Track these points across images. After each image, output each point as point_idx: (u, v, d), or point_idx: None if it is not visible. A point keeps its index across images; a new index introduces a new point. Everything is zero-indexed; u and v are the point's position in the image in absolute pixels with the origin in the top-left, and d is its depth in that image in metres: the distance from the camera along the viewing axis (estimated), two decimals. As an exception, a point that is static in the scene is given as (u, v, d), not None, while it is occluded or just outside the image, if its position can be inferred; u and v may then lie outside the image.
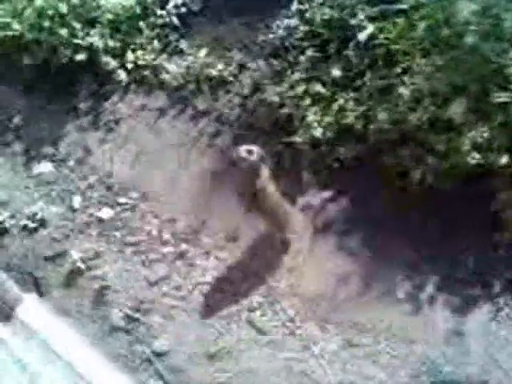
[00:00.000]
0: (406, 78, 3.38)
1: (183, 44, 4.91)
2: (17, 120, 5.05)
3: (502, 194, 3.11)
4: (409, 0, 3.53)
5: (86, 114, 4.93)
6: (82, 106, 4.98)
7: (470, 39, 2.99)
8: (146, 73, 4.88)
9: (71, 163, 4.68)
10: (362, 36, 3.60)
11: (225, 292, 3.55)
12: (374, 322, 3.19)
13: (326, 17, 4.00)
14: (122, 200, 4.26)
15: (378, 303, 3.24)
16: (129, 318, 3.55)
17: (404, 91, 3.30)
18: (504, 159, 2.99)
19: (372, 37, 3.64)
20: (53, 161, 4.74)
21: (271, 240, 3.66)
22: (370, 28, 3.61)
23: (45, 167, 4.72)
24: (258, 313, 3.37)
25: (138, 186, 4.33)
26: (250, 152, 3.12)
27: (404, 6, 3.57)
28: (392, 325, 3.16)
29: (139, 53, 4.97)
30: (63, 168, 4.67)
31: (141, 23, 5.08)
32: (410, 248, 3.35)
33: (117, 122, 4.77)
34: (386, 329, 3.16)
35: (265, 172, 3.24)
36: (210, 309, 3.49)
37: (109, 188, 4.39)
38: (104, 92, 4.97)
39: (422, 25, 3.38)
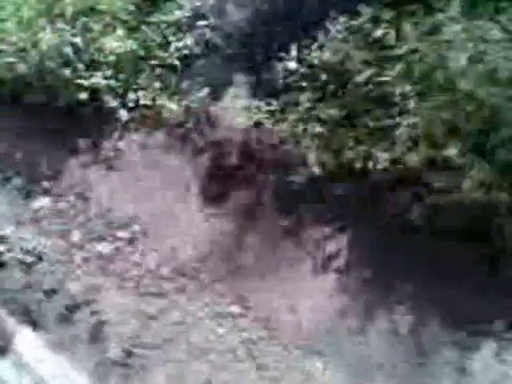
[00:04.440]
0: (403, 119, 3.51)
1: (184, 84, 5.05)
2: (18, 156, 5.10)
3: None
4: (405, 46, 3.71)
5: (87, 151, 5.00)
6: (83, 142, 5.06)
7: (465, 85, 3.14)
8: (147, 111, 4.99)
9: (71, 198, 4.71)
10: (360, 78, 3.75)
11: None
12: (375, 356, 3.20)
13: (324, 60, 4.18)
14: (121, 234, 4.28)
15: (378, 338, 3.27)
16: (126, 352, 3.51)
17: (401, 132, 3.43)
18: (507, 196, 3.08)
19: (369, 79, 3.78)
20: (52, 196, 4.77)
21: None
22: (368, 71, 3.76)
23: (44, 202, 4.74)
24: (258, 346, 3.37)
25: (138, 221, 4.36)
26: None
27: (401, 51, 3.75)
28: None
29: (141, 92, 5.09)
30: (63, 203, 4.69)
31: (143, 64, 5.23)
32: (410, 285, 3.40)
33: (117, 158, 4.84)
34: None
35: None
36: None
37: (108, 222, 4.41)
38: (105, 130, 5.06)
39: (417, 69, 3.55)
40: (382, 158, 3.49)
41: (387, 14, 3.90)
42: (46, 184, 4.89)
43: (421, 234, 3.43)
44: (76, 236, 4.33)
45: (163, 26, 5.33)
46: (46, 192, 4.82)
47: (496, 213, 3.16)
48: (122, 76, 5.19)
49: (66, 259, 4.17)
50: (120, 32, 5.31)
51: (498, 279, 3.24)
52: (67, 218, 4.53)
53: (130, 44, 5.21)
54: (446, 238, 3.36)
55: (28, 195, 4.84)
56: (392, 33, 3.78)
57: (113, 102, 5.05)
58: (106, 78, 5.11)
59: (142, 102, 5.03)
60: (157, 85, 5.11)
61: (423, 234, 3.44)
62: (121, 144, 4.92)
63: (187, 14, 5.20)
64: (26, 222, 4.57)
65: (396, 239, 3.50)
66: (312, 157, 3.79)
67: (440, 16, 3.47)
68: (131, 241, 4.22)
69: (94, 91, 5.07)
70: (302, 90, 4.21)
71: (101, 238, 4.30)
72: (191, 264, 3.97)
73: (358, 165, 3.63)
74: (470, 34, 3.31)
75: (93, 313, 3.76)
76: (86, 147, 5.05)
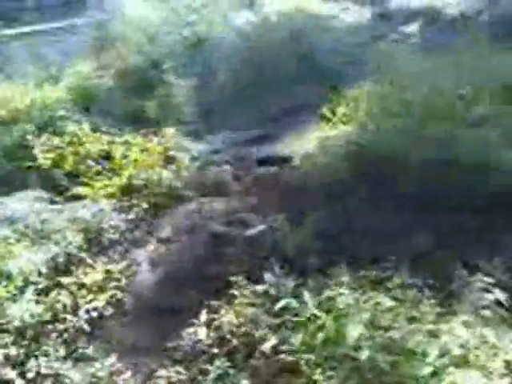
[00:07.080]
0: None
1: (91, 349, 4.86)
2: None
3: None
4: (305, 313, 3.87)
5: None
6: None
7: (365, 354, 3.22)
8: (47, 381, 4.66)
9: None
10: (265, 347, 3.77)
11: None
12: None
13: (233, 324, 4.22)
14: None
15: None
16: None
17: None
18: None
19: (275, 347, 3.81)
20: None
21: None
22: (273, 339, 3.81)
23: None
24: None
25: None
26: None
27: (302, 318, 3.86)
28: None
29: (42, 360, 4.80)
30: None
31: (49, 328, 5.05)
32: None
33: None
34: None
35: None
36: None
37: None
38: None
39: (319, 336, 3.64)
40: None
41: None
42: None
43: None
44: None
45: (74, 288, 5.36)
46: None
47: None
48: (23, 343, 4.95)
49: None
50: (28, 296, 5.25)
51: None
52: None
53: (37, 309, 5.11)
54: None
55: None
56: (294, 301, 3.96)
57: (10, 373, 4.71)
58: (5, 346, 4.85)
59: (43, 371, 4.72)
60: (62, 351, 4.88)
61: None
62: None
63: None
64: None
65: None
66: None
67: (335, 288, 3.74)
68: None
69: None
70: (212, 356, 4.14)
71: None
72: None
73: None
74: (363, 304, 3.53)
75: None
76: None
